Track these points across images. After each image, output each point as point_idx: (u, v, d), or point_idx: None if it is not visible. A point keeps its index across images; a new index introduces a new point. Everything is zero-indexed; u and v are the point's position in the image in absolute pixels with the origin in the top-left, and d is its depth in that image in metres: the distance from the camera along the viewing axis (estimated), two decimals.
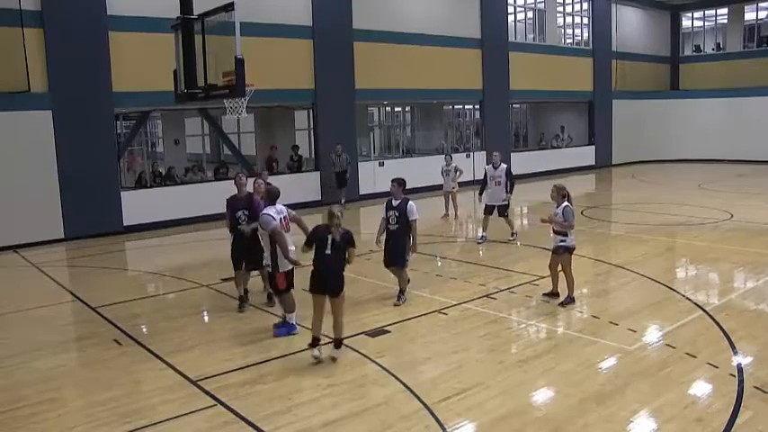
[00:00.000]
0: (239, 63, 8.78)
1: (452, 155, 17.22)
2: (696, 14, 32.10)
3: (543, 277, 9.43)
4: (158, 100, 15.00)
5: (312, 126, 19.76)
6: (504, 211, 12.65)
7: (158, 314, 8.77)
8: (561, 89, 26.34)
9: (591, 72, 27.55)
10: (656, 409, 5.44)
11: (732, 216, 14.72)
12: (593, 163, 27.71)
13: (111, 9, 14.72)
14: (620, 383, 5.96)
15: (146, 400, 5.95)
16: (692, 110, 28.90)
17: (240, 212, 8.43)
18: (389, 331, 7.52)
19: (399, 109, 26.71)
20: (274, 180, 17.99)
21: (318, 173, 18.94)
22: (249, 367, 6.58)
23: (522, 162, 23.91)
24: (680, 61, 32.36)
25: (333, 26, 18.54)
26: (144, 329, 8.14)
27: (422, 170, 19.25)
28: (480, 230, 12.94)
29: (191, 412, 5.60)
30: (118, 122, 18.42)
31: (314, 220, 16.94)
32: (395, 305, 8.45)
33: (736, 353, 6.56)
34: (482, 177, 13.16)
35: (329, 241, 6.50)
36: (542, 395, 5.90)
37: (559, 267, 8.40)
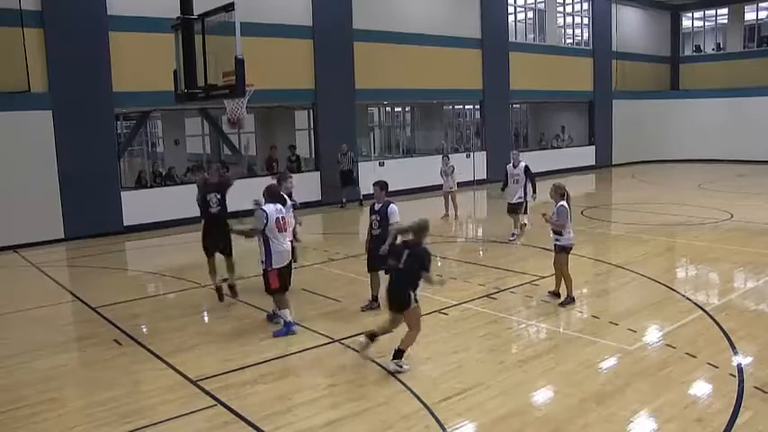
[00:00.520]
0: (239, 63, 8.77)
1: (449, 155, 17.19)
2: (696, 14, 32.10)
3: (543, 277, 9.43)
4: (158, 100, 15.00)
5: (312, 126, 19.76)
6: (516, 208, 12.68)
7: (158, 314, 8.77)
8: (561, 89, 26.34)
9: (591, 72, 27.55)
10: (657, 409, 5.44)
11: (732, 216, 14.72)
12: (594, 163, 27.70)
13: (111, 9, 14.72)
14: (621, 383, 5.96)
15: (146, 400, 5.95)
16: (692, 110, 28.90)
17: (212, 195, 8.69)
18: (390, 331, 7.49)
19: (399, 109, 26.70)
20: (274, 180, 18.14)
21: (318, 173, 18.94)
22: (249, 367, 6.58)
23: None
24: (680, 61, 32.35)
25: (333, 26, 18.54)
26: (144, 329, 8.14)
27: (422, 170, 19.25)
28: (512, 228, 12.83)
29: (191, 412, 5.60)
30: (118, 122, 18.41)
31: (314, 219, 17.08)
32: (362, 309, 8.31)
33: (736, 353, 6.56)
34: (496, 176, 13.24)
35: (404, 255, 6.27)
36: (542, 395, 5.90)
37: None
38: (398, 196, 19.47)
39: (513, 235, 12.69)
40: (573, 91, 27.06)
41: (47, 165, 13.98)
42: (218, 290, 8.79)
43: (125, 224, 15.14)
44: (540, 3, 26.07)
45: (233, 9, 8.77)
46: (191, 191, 17.55)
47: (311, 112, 19.61)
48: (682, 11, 32.11)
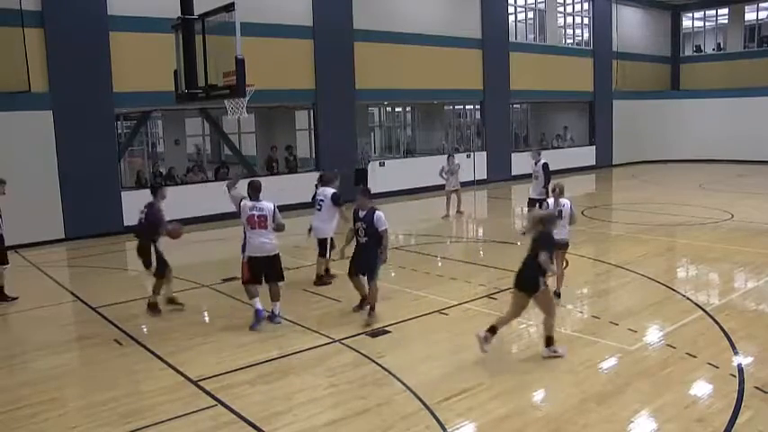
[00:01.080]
0: (240, 63, 8.77)
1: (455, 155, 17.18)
2: (696, 14, 32.08)
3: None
4: (159, 100, 15.00)
5: (312, 126, 19.76)
6: (535, 203, 12.78)
7: (158, 314, 8.76)
8: (562, 89, 26.33)
9: (591, 72, 27.54)
10: (657, 409, 5.44)
11: (733, 216, 14.72)
12: (594, 163, 27.69)
13: (111, 9, 14.71)
14: (621, 383, 5.96)
15: (146, 400, 5.95)
16: (692, 110, 28.87)
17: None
18: (390, 331, 7.51)
19: (400, 109, 26.71)
20: (274, 180, 18.16)
21: (319, 173, 18.87)
22: (249, 367, 6.58)
23: (522, 162, 23.89)
24: (680, 61, 32.34)
25: (333, 26, 18.53)
26: (144, 329, 8.14)
27: (423, 170, 19.22)
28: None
29: (191, 412, 5.60)
30: (118, 123, 18.40)
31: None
32: (354, 310, 8.23)
33: (736, 353, 6.56)
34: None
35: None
36: (543, 395, 5.90)
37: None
38: (399, 196, 19.61)
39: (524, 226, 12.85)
40: (573, 91, 27.05)
41: (47, 165, 13.97)
42: (152, 306, 8.60)
43: (125, 224, 15.10)
44: (540, 3, 26.06)
45: (233, 9, 8.76)
46: (191, 191, 17.70)
47: (311, 112, 19.60)
48: (682, 11, 32.10)
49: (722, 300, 8.67)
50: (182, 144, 22.61)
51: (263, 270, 7.75)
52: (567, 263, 9.78)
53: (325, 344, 7.16)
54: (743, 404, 5.40)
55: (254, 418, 5.42)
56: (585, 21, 27.97)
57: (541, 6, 26.10)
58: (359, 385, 6.08)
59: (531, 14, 26.27)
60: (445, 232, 14.59)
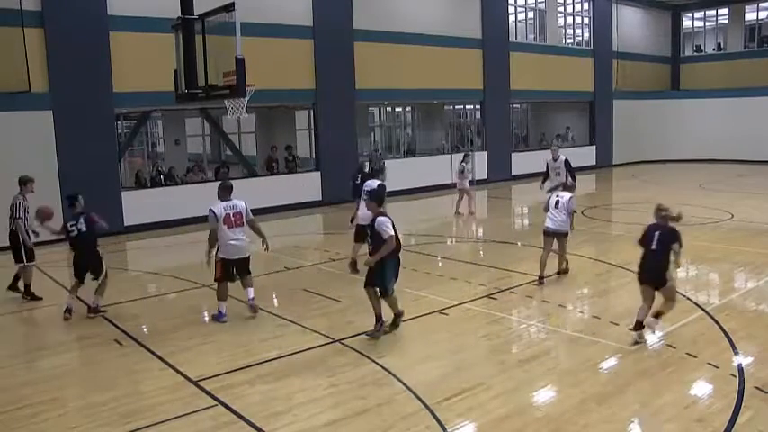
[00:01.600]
0: (240, 63, 8.77)
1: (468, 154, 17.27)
2: (697, 14, 32.07)
3: (544, 277, 9.41)
4: (159, 100, 15.00)
5: (312, 126, 19.76)
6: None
7: (159, 314, 8.77)
8: (562, 89, 26.32)
9: (591, 72, 27.53)
10: (657, 409, 5.44)
11: (733, 216, 14.71)
12: (594, 163, 27.68)
13: (111, 9, 14.71)
14: (621, 383, 5.96)
15: (146, 400, 5.95)
16: (692, 110, 28.86)
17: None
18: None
19: (400, 109, 26.71)
20: (274, 180, 18.16)
21: (319, 173, 18.92)
22: (249, 367, 6.58)
23: (523, 162, 23.93)
24: (681, 61, 32.32)
25: (333, 26, 18.53)
26: (144, 329, 8.14)
27: (423, 170, 19.22)
28: None
29: (191, 412, 5.60)
30: (118, 123, 18.41)
31: (314, 219, 17.08)
32: (373, 336, 7.26)
33: (736, 353, 6.56)
34: (544, 169, 13.59)
35: (655, 237, 6.94)
36: (543, 395, 5.90)
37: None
38: (399, 196, 19.59)
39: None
40: (573, 91, 27.04)
41: (47, 165, 13.93)
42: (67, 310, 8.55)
43: (125, 224, 15.13)
44: (540, 3, 26.06)
45: (233, 9, 8.77)
46: (191, 191, 17.69)
47: (311, 112, 19.60)
48: (682, 11, 32.09)
49: (722, 300, 8.67)
50: (182, 144, 22.61)
51: (235, 268, 8.13)
52: (567, 263, 9.79)
53: (325, 344, 7.17)
54: (743, 404, 5.40)
55: (254, 418, 5.42)
56: (586, 21, 27.96)
57: (541, 6, 26.09)
58: (359, 385, 6.09)
59: (531, 14, 26.26)
60: (445, 232, 14.58)
